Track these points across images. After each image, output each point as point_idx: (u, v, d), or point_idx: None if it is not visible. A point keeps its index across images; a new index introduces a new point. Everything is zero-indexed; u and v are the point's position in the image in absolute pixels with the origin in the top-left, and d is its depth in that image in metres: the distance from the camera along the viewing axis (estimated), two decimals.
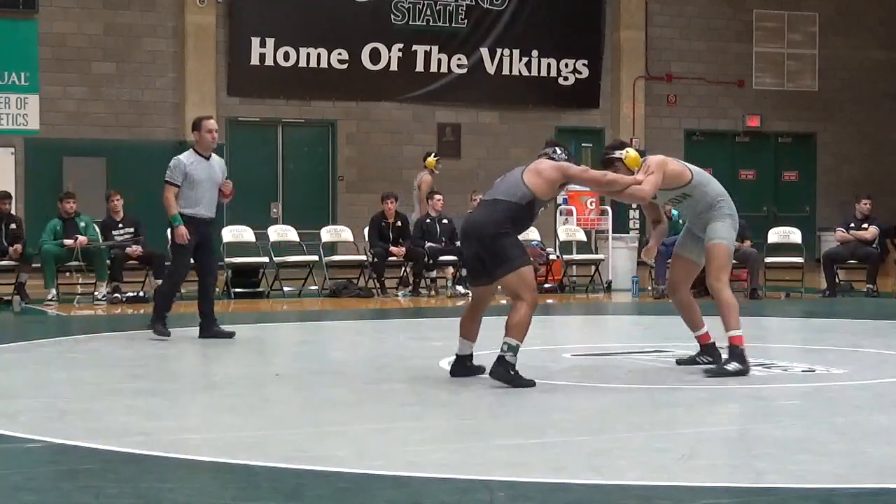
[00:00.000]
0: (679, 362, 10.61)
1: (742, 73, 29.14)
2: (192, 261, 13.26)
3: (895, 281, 20.11)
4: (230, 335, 12.97)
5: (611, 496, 6.16)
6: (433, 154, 22.06)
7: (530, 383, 9.33)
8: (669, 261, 19.54)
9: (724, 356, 10.14)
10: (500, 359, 9.34)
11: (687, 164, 10.42)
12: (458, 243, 20.05)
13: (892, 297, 19.24)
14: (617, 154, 10.20)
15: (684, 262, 10.51)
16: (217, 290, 19.10)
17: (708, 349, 10.45)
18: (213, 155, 13.16)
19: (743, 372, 9.93)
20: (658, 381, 9.82)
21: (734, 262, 18.98)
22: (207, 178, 13.01)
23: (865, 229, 19.87)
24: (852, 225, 20.06)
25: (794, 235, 21.17)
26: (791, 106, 29.46)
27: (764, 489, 6.26)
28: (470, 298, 9.99)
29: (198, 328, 13.10)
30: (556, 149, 9.89)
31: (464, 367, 9.84)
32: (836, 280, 19.78)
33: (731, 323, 10.03)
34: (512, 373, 9.32)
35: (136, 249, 18.17)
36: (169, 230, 13.34)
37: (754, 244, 19.82)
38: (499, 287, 9.74)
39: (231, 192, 13.15)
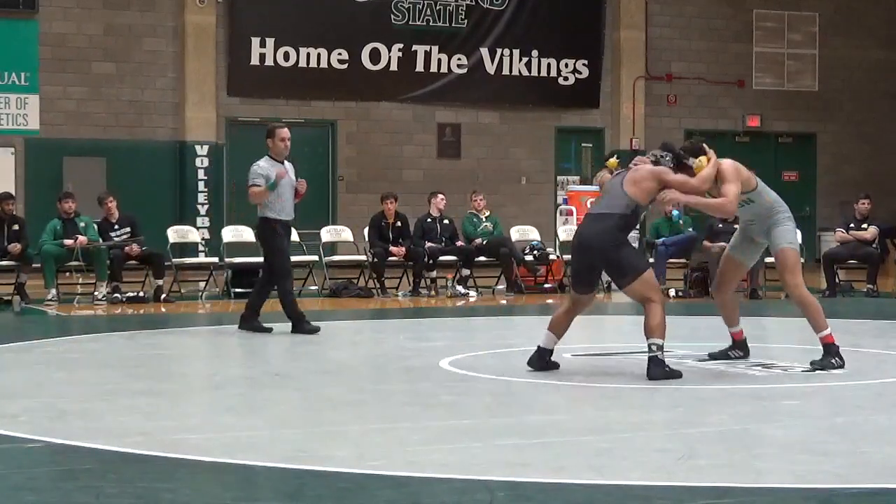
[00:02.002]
0: (711, 356, 10.91)
1: (742, 73, 29.14)
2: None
3: (895, 281, 20.11)
4: (269, 330, 13.56)
5: (611, 496, 6.16)
6: (615, 156, 22.13)
7: (679, 374, 9.87)
8: (670, 261, 19.67)
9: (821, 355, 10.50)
10: (654, 359, 9.77)
11: (754, 174, 10.70)
12: (458, 243, 20.11)
13: (892, 297, 19.24)
14: (691, 163, 10.33)
15: (735, 264, 10.87)
16: (217, 289, 19.26)
17: (740, 344, 10.93)
18: (285, 161, 13.84)
19: (842, 366, 10.32)
20: (658, 382, 9.81)
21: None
22: (286, 183, 13.65)
23: (865, 229, 19.86)
24: (852, 225, 20.05)
25: None
26: (791, 106, 29.46)
27: (764, 489, 6.26)
28: (569, 300, 10.37)
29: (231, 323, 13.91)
30: (665, 154, 10.29)
31: (543, 360, 10.23)
32: (837, 280, 19.77)
33: (819, 324, 10.60)
34: (667, 370, 9.80)
35: (135, 250, 18.15)
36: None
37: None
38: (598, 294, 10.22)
39: (304, 191, 13.85)
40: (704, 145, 10.54)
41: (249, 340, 13.28)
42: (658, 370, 9.75)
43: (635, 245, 18.59)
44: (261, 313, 13.81)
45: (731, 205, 10.31)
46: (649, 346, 9.79)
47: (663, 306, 9.92)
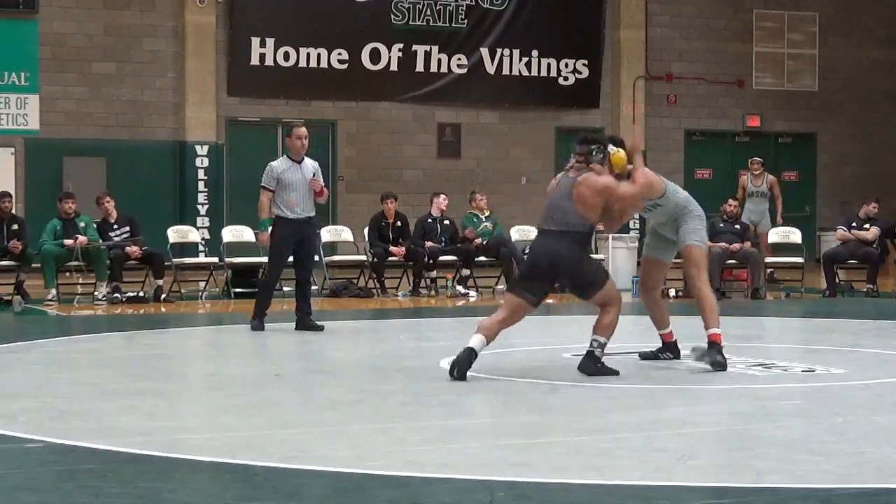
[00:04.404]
0: (642, 356, 10.97)
1: (742, 72, 29.13)
2: (290, 259, 14.13)
3: (895, 281, 20.10)
4: (320, 328, 13.74)
5: (611, 496, 6.17)
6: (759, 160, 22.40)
7: (615, 372, 10.03)
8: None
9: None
10: (590, 354, 10.01)
11: (662, 178, 10.80)
12: (459, 245, 20.09)
13: (892, 298, 19.23)
14: (610, 149, 10.37)
15: (654, 264, 11.04)
16: (217, 289, 19.25)
17: (670, 346, 10.99)
18: (307, 158, 13.94)
19: (722, 365, 10.25)
20: (658, 381, 9.83)
21: (734, 262, 19.21)
22: (301, 181, 13.76)
23: (867, 229, 19.85)
24: (854, 224, 20.04)
25: (795, 235, 21.17)
26: (791, 106, 29.45)
27: (764, 489, 6.27)
28: (511, 308, 10.08)
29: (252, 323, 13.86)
30: (594, 148, 10.25)
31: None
32: (837, 280, 19.76)
33: (710, 321, 10.47)
34: (599, 365, 10.00)
35: (135, 250, 18.14)
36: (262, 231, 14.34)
37: (754, 244, 19.83)
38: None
39: (321, 190, 13.87)
40: (621, 150, 10.50)
41: (250, 340, 13.29)
42: (591, 365, 9.96)
43: (635, 245, 18.70)
44: (309, 312, 13.95)
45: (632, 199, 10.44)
46: (591, 341, 9.98)
47: (619, 312, 10.09)
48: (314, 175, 13.85)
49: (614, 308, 10.06)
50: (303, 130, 14.03)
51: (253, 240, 19.78)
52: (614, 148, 10.38)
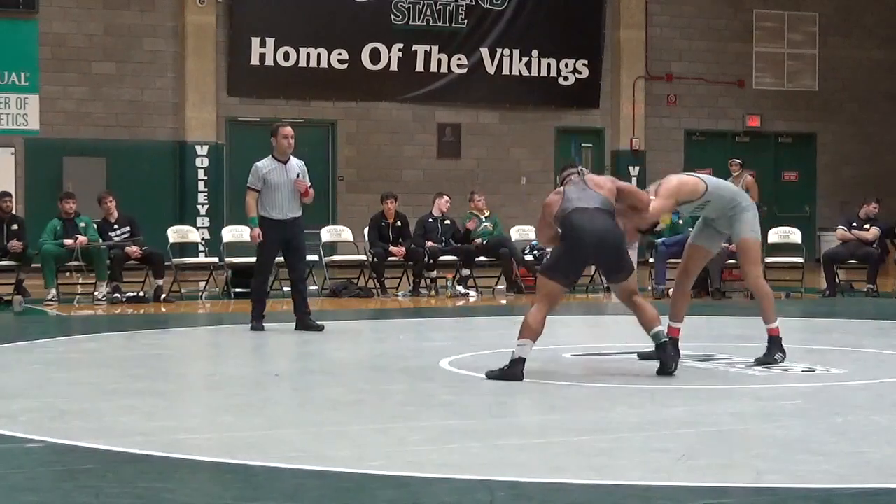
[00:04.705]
0: (641, 356, 10.88)
1: (742, 72, 29.14)
2: (282, 259, 14.27)
3: (895, 281, 20.10)
4: (320, 328, 13.67)
5: (611, 496, 6.17)
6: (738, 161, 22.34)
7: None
8: (670, 261, 19.65)
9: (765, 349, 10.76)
10: (663, 345, 10.03)
11: (697, 174, 11.03)
12: (459, 245, 20.07)
13: (892, 298, 19.23)
14: None
15: (699, 250, 10.98)
16: (217, 289, 19.25)
17: (672, 343, 10.82)
18: (293, 158, 13.91)
19: (783, 359, 10.62)
20: (658, 382, 9.83)
21: (733, 262, 19.20)
22: (286, 181, 13.74)
23: (867, 229, 19.85)
24: (854, 224, 20.03)
25: (795, 235, 21.15)
26: (791, 106, 29.46)
27: (764, 489, 6.27)
28: (548, 300, 10.04)
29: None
30: (582, 170, 10.47)
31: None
32: (836, 280, 19.76)
33: (769, 317, 10.75)
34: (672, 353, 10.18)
35: (135, 250, 18.14)
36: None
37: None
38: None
39: (306, 191, 13.80)
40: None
41: (249, 340, 13.29)
42: (670, 354, 10.06)
43: (635, 245, 18.70)
44: (309, 312, 13.93)
45: (652, 217, 10.62)
46: (657, 335, 9.99)
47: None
48: (299, 175, 13.82)
49: (639, 296, 10.15)
50: (289, 129, 13.98)
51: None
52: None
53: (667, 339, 10.06)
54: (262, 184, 13.71)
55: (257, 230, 13.84)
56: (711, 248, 11.04)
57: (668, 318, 10.75)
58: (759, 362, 10.64)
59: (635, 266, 10.58)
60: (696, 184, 10.68)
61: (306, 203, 13.98)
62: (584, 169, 10.47)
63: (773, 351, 10.69)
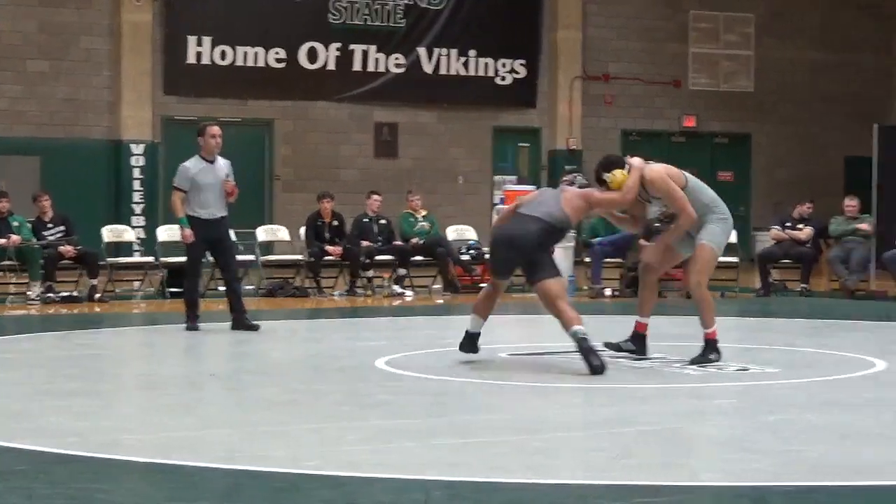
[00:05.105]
0: (607, 346, 10.95)
1: (678, 73, 29.28)
2: (213, 259, 14.42)
3: (828, 280, 20.28)
4: (255, 328, 13.60)
5: (547, 496, 6.18)
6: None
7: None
8: (605, 261, 19.71)
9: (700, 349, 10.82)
10: (587, 349, 10.05)
11: (684, 172, 11.14)
12: (396, 243, 20.09)
13: (825, 297, 19.39)
14: (606, 177, 10.77)
15: (669, 249, 11.03)
16: (152, 289, 19.14)
17: (639, 338, 11.08)
18: (219, 158, 13.87)
19: (719, 359, 10.69)
20: (594, 381, 9.85)
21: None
22: (214, 181, 13.71)
23: (801, 229, 20.01)
24: (788, 224, 20.19)
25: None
26: (726, 106, 29.63)
27: (698, 487, 6.30)
28: (491, 286, 10.95)
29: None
30: (577, 175, 11.18)
31: (473, 343, 10.77)
32: (770, 279, 19.91)
33: (708, 321, 10.80)
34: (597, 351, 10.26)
35: (69, 250, 18.00)
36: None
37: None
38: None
39: (232, 191, 13.79)
40: (628, 156, 11.02)
41: (184, 340, 13.23)
42: (593, 356, 10.06)
43: (571, 244, 18.76)
44: (244, 311, 13.85)
45: (692, 214, 10.72)
46: (576, 335, 10.03)
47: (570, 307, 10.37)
48: (227, 176, 13.79)
49: (562, 300, 10.30)
50: (217, 129, 13.92)
51: None
52: (609, 175, 10.72)
53: (585, 337, 10.05)
54: (191, 184, 13.61)
55: (189, 230, 13.69)
56: (681, 251, 11.03)
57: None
58: (694, 362, 10.69)
59: (563, 272, 10.84)
60: (682, 173, 10.90)
61: (230, 202, 13.90)
62: (578, 178, 10.95)
63: (709, 351, 10.76)
